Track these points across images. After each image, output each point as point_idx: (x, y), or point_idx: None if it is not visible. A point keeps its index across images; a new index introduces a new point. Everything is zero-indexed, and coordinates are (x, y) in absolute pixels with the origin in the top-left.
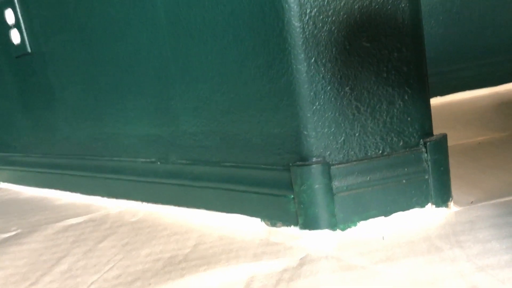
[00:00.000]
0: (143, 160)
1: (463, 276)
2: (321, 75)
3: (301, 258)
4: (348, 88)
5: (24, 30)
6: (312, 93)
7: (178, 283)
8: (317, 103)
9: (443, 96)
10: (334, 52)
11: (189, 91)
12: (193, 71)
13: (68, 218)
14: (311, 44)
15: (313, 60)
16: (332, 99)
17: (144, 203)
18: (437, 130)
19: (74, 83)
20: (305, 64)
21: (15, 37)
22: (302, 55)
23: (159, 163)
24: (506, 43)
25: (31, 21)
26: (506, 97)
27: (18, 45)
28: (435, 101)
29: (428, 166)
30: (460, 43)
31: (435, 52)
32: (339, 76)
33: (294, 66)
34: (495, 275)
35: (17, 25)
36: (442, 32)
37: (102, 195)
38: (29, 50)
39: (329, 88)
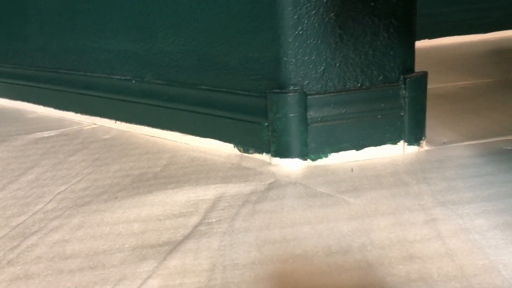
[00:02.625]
0: (118, 77)
1: (424, 209)
2: None
3: (269, 183)
4: (333, 14)
5: None
6: (295, 17)
7: (146, 198)
8: (299, 28)
9: (431, 39)
10: None
11: (168, 5)
12: None
13: (40, 131)
14: None
15: None
16: (316, 24)
17: (118, 122)
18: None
19: None
20: None
21: None
22: None
23: (134, 81)
24: None
25: None
26: (493, 45)
27: None
28: (422, 43)
29: (405, 103)
30: None
31: None
32: (325, 0)
33: None
34: (455, 210)
35: None
36: None
37: (76, 111)
38: None
39: (313, 12)
